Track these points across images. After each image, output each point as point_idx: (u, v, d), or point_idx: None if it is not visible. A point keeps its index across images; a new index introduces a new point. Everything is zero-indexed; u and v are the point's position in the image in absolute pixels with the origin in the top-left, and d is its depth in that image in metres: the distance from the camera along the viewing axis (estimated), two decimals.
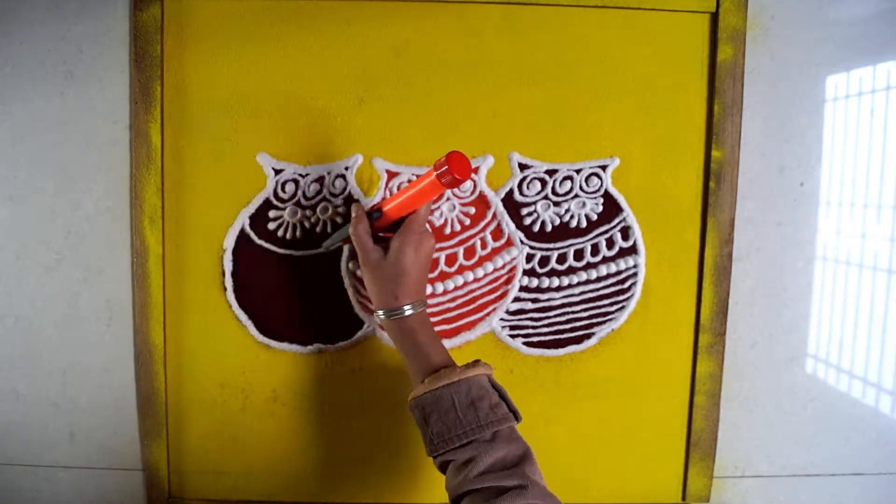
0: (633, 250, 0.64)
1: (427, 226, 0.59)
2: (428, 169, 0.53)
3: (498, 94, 0.62)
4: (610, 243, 0.64)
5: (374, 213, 0.56)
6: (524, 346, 0.64)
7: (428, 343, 0.54)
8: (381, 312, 0.55)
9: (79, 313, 0.64)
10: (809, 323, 0.67)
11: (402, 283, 0.54)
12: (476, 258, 0.63)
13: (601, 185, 0.63)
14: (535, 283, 0.64)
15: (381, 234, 0.58)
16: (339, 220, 0.62)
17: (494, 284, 0.64)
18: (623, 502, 0.67)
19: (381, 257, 0.55)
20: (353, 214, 0.56)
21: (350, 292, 0.63)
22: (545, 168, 0.63)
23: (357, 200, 0.60)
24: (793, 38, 0.63)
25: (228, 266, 0.63)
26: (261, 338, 0.63)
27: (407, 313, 0.54)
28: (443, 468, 0.51)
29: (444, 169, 0.50)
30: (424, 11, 0.61)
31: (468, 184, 0.62)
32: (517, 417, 0.51)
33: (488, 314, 0.64)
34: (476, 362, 0.53)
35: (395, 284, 0.54)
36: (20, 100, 0.62)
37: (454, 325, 0.64)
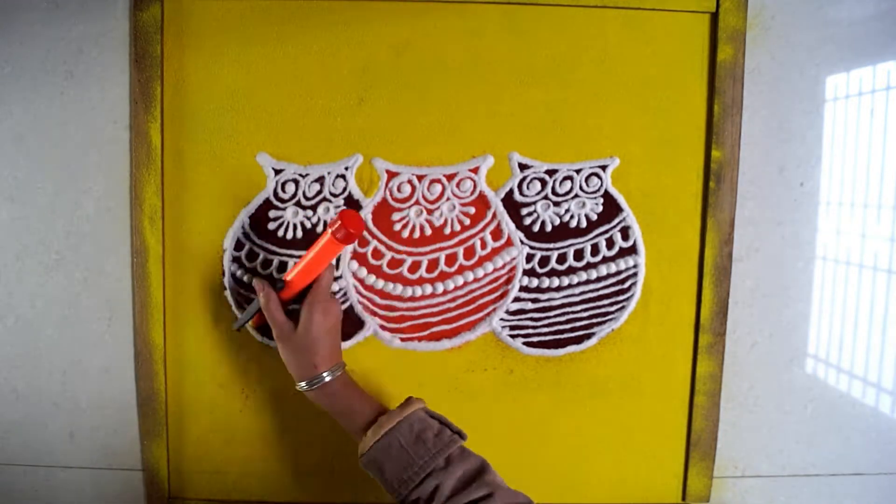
0: (633, 250, 0.64)
1: (330, 291, 0.59)
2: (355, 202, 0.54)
3: (498, 94, 0.62)
4: (610, 243, 0.64)
5: (279, 285, 0.57)
6: (524, 346, 0.64)
7: (356, 400, 0.56)
8: (302, 383, 0.56)
9: (79, 313, 0.64)
10: (809, 323, 0.67)
11: (317, 352, 0.55)
12: (476, 258, 0.63)
13: (601, 185, 0.63)
14: (535, 283, 0.64)
15: (289, 307, 0.58)
16: None
17: (494, 284, 0.64)
18: (623, 502, 0.67)
19: (293, 330, 0.56)
20: (260, 290, 0.57)
21: (350, 292, 0.63)
22: (545, 168, 0.63)
23: (260, 277, 0.61)
24: (793, 38, 0.63)
25: (228, 266, 0.63)
26: (261, 338, 0.63)
27: (327, 379, 0.55)
28: None
29: (337, 225, 0.53)
30: (424, 11, 0.61)
31: (468, 183, 0.62)
32: (462, 437, 0.54)
33: (488, 314, 0.64)
34: (409, 399, 0.55)
35: (312, 354, 0.55)
36: (20, 100, 0.62)
37: (454, 325, 0.64)
